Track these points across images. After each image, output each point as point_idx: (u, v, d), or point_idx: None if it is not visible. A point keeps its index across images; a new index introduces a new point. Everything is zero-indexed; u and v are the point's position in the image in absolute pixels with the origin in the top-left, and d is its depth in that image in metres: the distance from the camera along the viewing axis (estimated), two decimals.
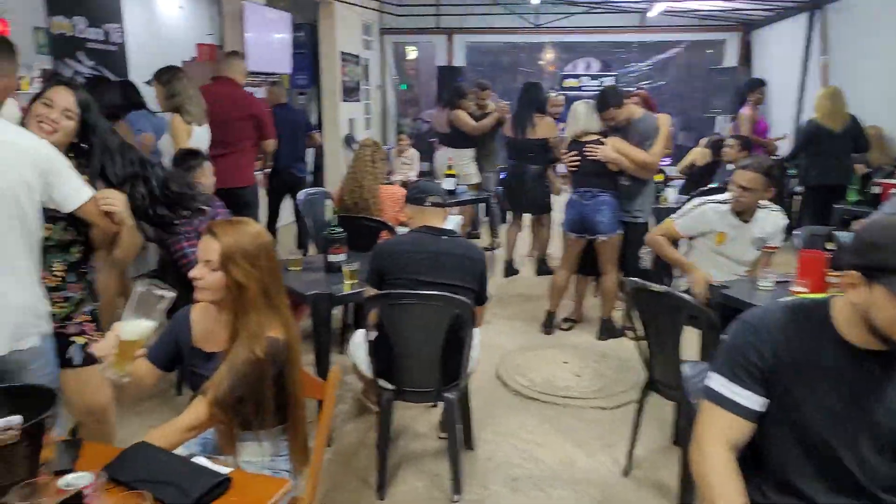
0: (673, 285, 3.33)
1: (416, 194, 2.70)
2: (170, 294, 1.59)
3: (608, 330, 4.23)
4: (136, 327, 1.55)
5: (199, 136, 3.85)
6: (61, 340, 2.02)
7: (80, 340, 2.07)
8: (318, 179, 8.65)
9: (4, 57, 1.82)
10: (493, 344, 3.91)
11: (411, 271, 2.51)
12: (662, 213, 4.16)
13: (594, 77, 9.91)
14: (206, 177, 3.23)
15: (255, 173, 4.86)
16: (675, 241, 3.29)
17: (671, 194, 4.99)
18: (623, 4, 8.65)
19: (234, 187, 4.37)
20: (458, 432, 2.62)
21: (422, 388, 2.57)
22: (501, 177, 5.99)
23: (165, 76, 3.88)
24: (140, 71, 5.98)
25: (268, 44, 6.82)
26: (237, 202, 4.50)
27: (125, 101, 4.70)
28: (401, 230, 3.80)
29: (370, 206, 3.73)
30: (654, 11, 8.11)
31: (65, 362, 2.04)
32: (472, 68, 10.06)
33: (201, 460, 1.53)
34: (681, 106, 10.63)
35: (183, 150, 3.38)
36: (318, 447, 1.87)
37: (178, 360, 1.86)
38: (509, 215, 5.85)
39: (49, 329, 1.90)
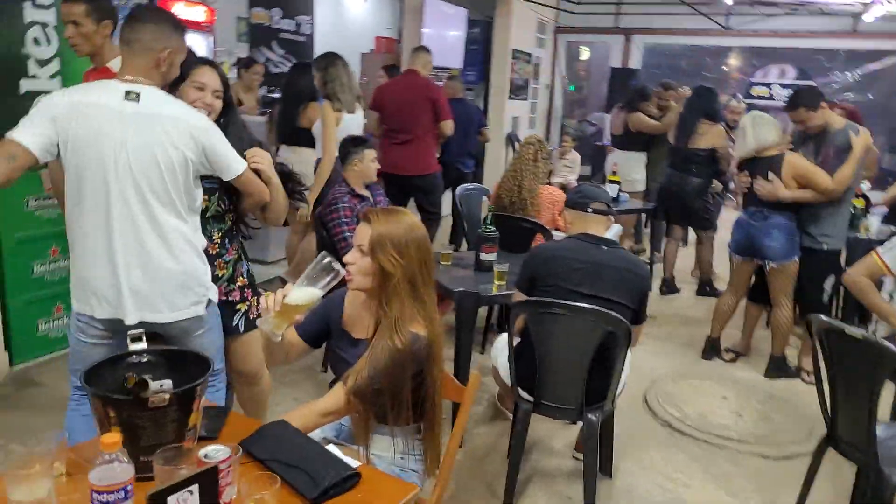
0: (870, 331, 2.87)
1: (578, 199, 2.55)
2: (343, 271, 1.65)
3: (779, 368, 3.78)
4: (304, 293, 1.60)
5: (348, 123, 3.96)
6: (226, 309, 2.13)
7: (242, 307, 2.20)
8: (476, 176, 8.69)
9: (172, 29, 1.88)
10: (643, 366, 3.64)
11: (566, 280, 2.36)
12: (859, 246, 3.64)
13: (786, 86, 9.01)
14: (363, 163, 3.30)
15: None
16: (878, 283, 2.83)
17: (874, 223, 4.20)
18: (833, 6, 7.74)
19: (413, 175, 4.54)
20: (597, 457, 2.44)
21: (563, 404, 2.42)
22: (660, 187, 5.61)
23: (322, 63, 4.01)
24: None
25: (443, 38, 6.94)
26: (417, 189, 4.66)
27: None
28: (557, 235, 3.65)
29: (527, 206, 3.61)
30: (871, 15, 7.18)
31: (232, 329, 2.18)
32: (647, 71, 9.56)
33: (332, 448, 1.51)
34: (888, 125, 9.36)
35: (349, 137, 3.48)
36: (450, 451, 1.80)
37: (325, 337, 1.89)
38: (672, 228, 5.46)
39: (214, 297, 2.00)
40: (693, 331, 4.29)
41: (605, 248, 2.43)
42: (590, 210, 2.50)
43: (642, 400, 3.40)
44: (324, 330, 1.88)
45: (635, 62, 9.35)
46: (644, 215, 6.19)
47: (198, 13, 5.69)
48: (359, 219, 3.26)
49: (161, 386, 1.29)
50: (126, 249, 1.79)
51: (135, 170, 1.76)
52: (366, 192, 3.40)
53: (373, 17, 8.93)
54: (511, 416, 3.06)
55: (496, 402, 3.27)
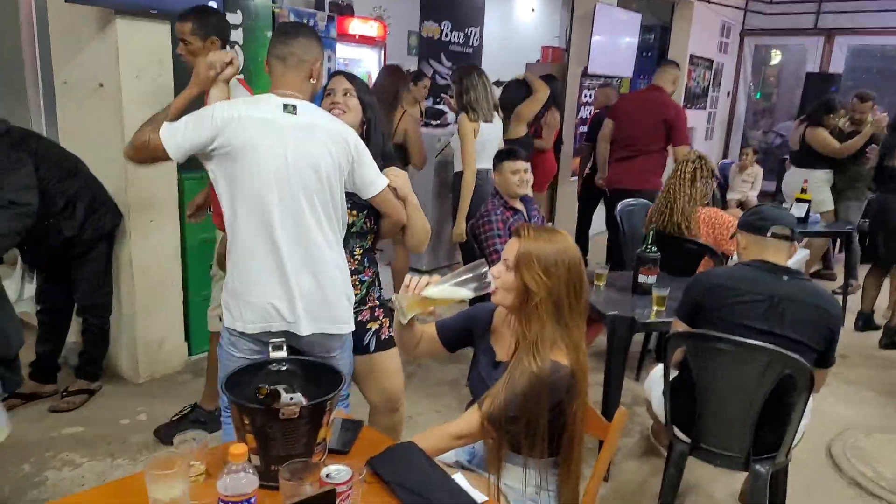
0: None
1: (755, 220, 2.25)
2: (493, 285, 1.60)
3: None
4: (446, 291, 1.57)
5: (487, 133, 3.90)
6: (357, 328, 2.07)
7: (373, 326, 2.14)
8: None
9: (318, 41, 1.90)
10: (829, 412, 3.18)
11: (737, 314, 2.09)
12: None
13: None
14: (502, 175, 3.20)
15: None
16: None
17: None
18: None
19: (630, 188, 4.49)
20: None
21: (726, 450, 2.15)
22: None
23: (458, 74, 3.98)
24: (490, 72, 6.31)
25: (613, 45, 6.65)
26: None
27: None
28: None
29: (682, 231, 3.28)
30: None
31: (362, 349, 2.13)
32: (851, 76, 8.49)
33: (458, 479, 1.43)
34: None
35: (500, 149, 3.41)
36: (589, 492, 1.66)
37: (464, 344, 1.83)
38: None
39: (351, 320, 1.92)
40: (894, 376, 3.68)
41: (785, 278, 2.12)
42: (769, 235, 2.20)
43: (825, 452, 2.95)
44: (465, 335, 1.81)
45: (837, 66, 8.33)
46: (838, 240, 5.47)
47: (372, 29, 5.96)
48: (510, 232, 3.22)
49: (291, 399, 1.29)
50: (294, 259, 1.77)
51: (297, 179, 1.77)
52: (519, 206, 3.31)
53: (541, 26, 8.83)
54: (665, 452, 2.80)
55: (649, 436, 3.02)
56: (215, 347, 2.52)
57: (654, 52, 8.05)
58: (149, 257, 3.18)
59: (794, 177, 5.30)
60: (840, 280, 5.18)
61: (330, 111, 2.01)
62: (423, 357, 1.91)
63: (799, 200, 4.67)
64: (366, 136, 2.07)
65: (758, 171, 6.65)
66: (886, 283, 4.52)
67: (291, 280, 1.76)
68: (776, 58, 10.03)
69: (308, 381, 1.49)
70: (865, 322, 4.52)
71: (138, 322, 3.20)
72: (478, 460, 1.75)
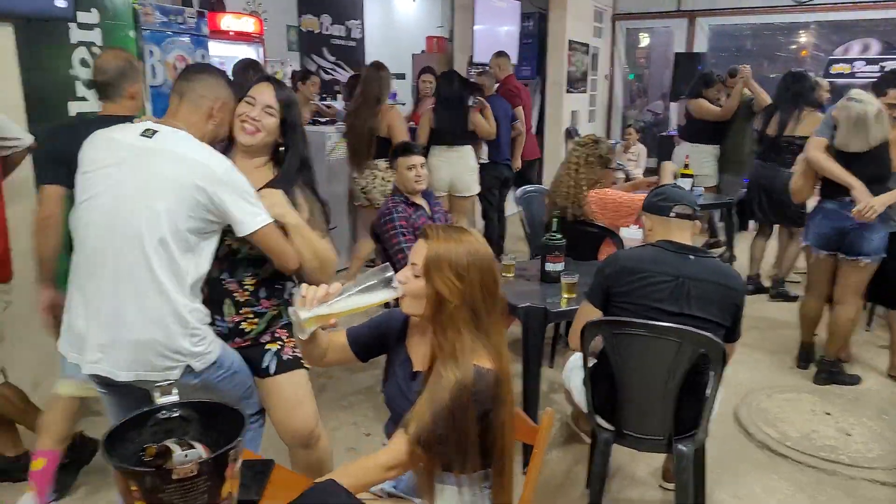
0: None
1: (658, 201, 2.26)
2: (400, 291, 1.47)
3: (831, 374, 3.44)
4: (347, 301, 1.41)
5: None
6: (251, 352, 1.92)
7: (272, 347, 1.95)
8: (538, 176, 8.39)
9: (224, 84, 1.82)
10: (730, 378, 3.29)
11: (647, 296, 2.09)
12: None
13: (872, 61, 8.30)
14: (398, 171, 3.15)
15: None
16: None
17: None
18: None
19: None
20: (690, 493, 2.16)
21: (649, 434, 2.15)
22: (745, 180, 5.18)
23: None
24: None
25: (495, 34, 6.68)
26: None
27: None
28: (628, 235, 3.34)
29: (568, 214, 3.30)
30: None
31: (261, 371, 1.93)
32: (714, 54, 9.03)
33: None
34: None
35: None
36: (526, 500, 1.58)
37: (377, 353, 1.69)
38: (751, 224, 5.05)
39: (198, 364, 1.73)
40: (785, 335, 3.91)
41: (691, 257, 2.14)
42: (672, 214, 2.21)
43: (733, 418, 3.07)
44: (378, 343, 1.67)
45: (701, 46, 8.83)
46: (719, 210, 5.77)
47: (247, 24, 5.63)
48: (415, 229, 3.11)
49: (186, 455, 1.11)
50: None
51: (125, 205, 1.65)
52: (421, 201, 3.20)
53: (423, 16, 8.75)
54: (588, 439, 2.80)
55: (569, 423, 3.01)
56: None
57: (534, 39, 8.17)
58: (15, 284, 2.80)
59: (683, 151, 5.54)
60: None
61: (241, 123, 1.83)
62: (329, 365, 1.72)
63: (683, 175, 4.86)
64: (280, 160, 1.90)
65: (641, 149, 6.90)
66: (771, 247, 4.84)
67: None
68: (644, 40, 10.51)
69: (206, 427, 1.30)
70: (755, 287, 4.80)
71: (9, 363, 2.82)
72: (405, 486, 1.63)
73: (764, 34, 9.64)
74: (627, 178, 6.61)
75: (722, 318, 2.08)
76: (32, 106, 2.84)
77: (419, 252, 1.48)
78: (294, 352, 1.97)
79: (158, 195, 1.63)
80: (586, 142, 3.38)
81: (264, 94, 1.85)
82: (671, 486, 2.54)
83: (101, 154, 1.71)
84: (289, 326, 1.96)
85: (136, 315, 1.64)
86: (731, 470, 2.68)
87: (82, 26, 3.18)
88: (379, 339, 1.67)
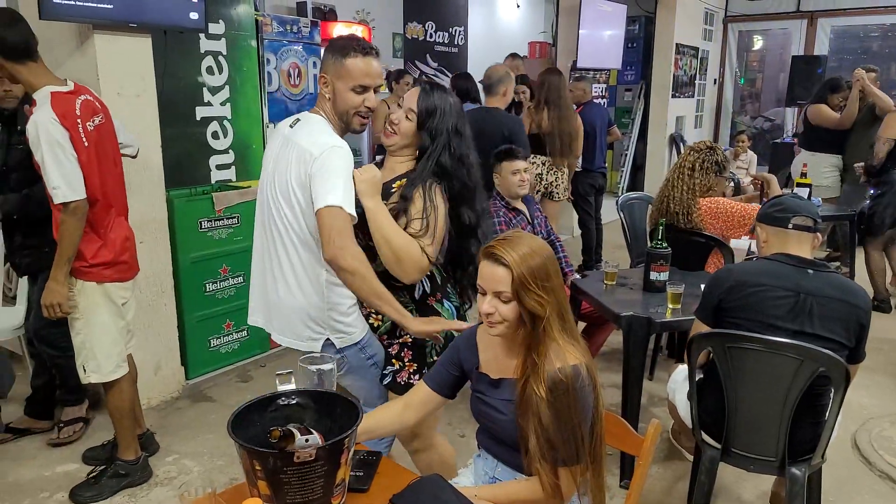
0: None
1: (775, 212, 2.14)
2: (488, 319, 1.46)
3: None
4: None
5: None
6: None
7: (396, 364, 1.94)
8: (636, 181, 8.18)
9: (328, 55, 1.83)
10: (851, 404, 3.09)
11: (763, 312, 1.99)
12: None
13: None
14: (501, 176, 3.17)
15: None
16: None
17: None
18: None
19: None
20: None
21: (759, 454, 2.04)
22: (871, 191, 4.82)
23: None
24: (475, 70, 6.21)
25: (600, 38, 6.57)
26: None
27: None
28: (740, 246, 3.20)
29: (680, 222, 3.18)
30: None
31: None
32: (836, 58, 8.46)
33: None
34: None
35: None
36: None
37: (462, 383, 1.66)
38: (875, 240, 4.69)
39: (342, 341, 1.82)
40: None
41: (811, 272, 2.02)
42: (791, 226, 2.10)
43: (852, 444, 2.86)
44: (460, 374, 1.64)
45: (821, 48, 8.30)
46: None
47: (357, 32, 5.85)
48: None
49: (307, 441, 1.18)
50: (260, 267, 1.91)
51: (269, 188, 1.83)
52: (521, 206, 3.21)
53: (526, 21, 8.75)
54: (689, 456, 2.71)
55: (671, 438, 2.92)
56: (124, 392, 2.48)
57: (639, 42, 7.97)
58: (140, 279, 3.05)
59: (801, 160, 5.24)
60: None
61: (385, 125, 1.94)
62: (420, 422, 1.72)
63: (799, 185, 4.59)
64: (417, 167, 1.90)
65: (752, 156, 6.58)
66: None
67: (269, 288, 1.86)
68: (758, 42, 10.00)
69: (321, 414, 1.38)
70: (880, 303, 4.48)
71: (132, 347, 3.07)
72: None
73: (894, 35, 8.94)
74: (737, 187, 6.32)
75: (846, 337, 1.95)
76: (164, 110, 3.08)
77: (496, 276, 1.40)
78: (409, 379, 1.93)
79: (284, 180, 1.78)
80: (701, 147, 3.26)
81: (410, 98, 1.91)
82: None
83: (270, 145, 1.93)
84: (416, 349, 1.93)
85: (284, 287, 1.81)
86: (847, 499, 2.50)
87: (210, 37, 3.43)
88: (458, 370, 1.64)
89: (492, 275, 1.41)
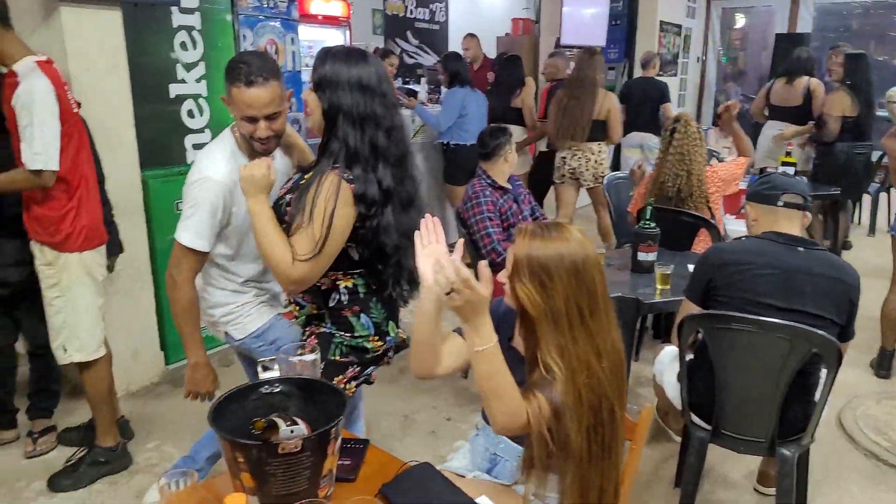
0: None
1: (765, 190, 2.12)
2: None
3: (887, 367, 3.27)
4: None
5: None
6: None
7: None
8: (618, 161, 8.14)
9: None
10: (836, 382, 3.09)
11: (753, 290, 1.96)
12: None
13: None
14: (513, 154, 3.14)
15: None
16: None
17: None
18: None
19: None
20: (792, 499, 2.03)
21: (749, 436, 2.03)
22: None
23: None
24: (457, 48, 6.11)
25: (584, 15, 6.49)
26: None
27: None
28: (732, 228, 3.18)
29: (694, 195, 3.15)
30: None
31: None
32: (820, 35, 8.46)
33: (483, 501, 1.28)
34: None
35: (492, 127, 3.26)
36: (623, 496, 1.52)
37: None
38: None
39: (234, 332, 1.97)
40: None
41: (800, 249, 2.00)
42: (780, 204, 2.07)
43: (836, 422, 2.88)
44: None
45: (805, 26, 8.28)
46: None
47: (336, 8, 5.69)
48: (501, 213, 3.06)
49: (292, 431, 1.12)
50: None
51: None
52: (508, 185, 3.16)
53: None
54: (676, 437, 2.70)
55: (657, 419, 2.91)
56: (98, 377, 2.46)
57: (623, 20, 7.88)
58: (116, 263, 2.95)
59: (771, 135, 5.30)
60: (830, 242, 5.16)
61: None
62: (446, 372, 1.55)
63: (784, 164, 4.59)
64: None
65: None
66: None
67: None
68: (741, 20, 9.97)
69: (306, 403, 1.32)
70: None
71: (109, 334, 2.97)
72: (500, 470, 1.59)
73: (873, 13, 8.96)
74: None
75: (837, 315, 1.94)
76: (136, 87, 2.96)
77: (509, 255, 1.39)
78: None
79: None
80: (690, 118, 3.23)
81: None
82: (768, 490, 2.42)
83: None
84: (321, 341, 1.78)
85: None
86: (835, 477, 2.52)
87: (183, 10, 3.30)
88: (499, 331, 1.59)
89: (509, 249, 1.37)
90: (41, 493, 2.41)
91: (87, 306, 2.39)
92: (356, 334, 1.79)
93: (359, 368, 1.83)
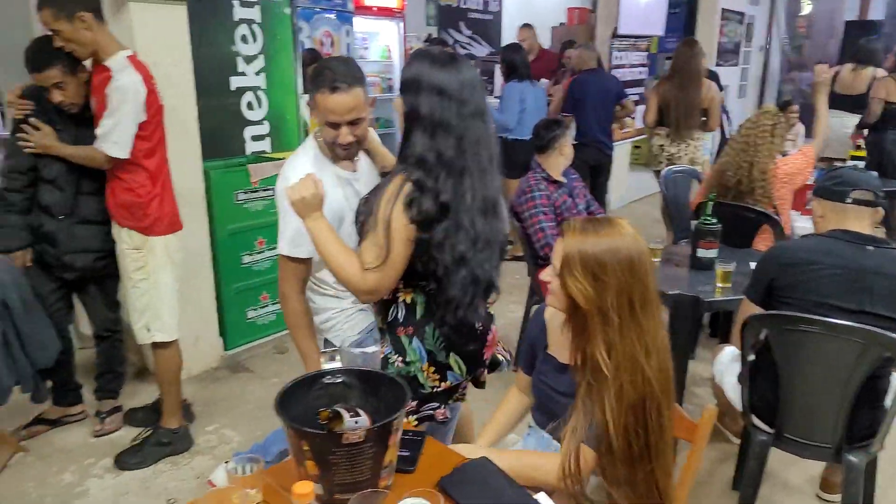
0: None
1: (833, 185, 2.03)
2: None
3: None
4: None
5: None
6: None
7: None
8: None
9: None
10: None
11: (820, 291, 1.89)
12: None
13: None
14: (569, 148, 3.08)
15: None
16: None
17: None
18: None
19: None
20: None
21: (814, 441, 1.97)
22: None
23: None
24: (510, 39, 6.05)
25: (642, 4, 6.34)
26: None
27: None
28: (800, 225, 3.08)
29: (755, 190, 3.05)
30: None
31: None
32: (893, 23, 8.06)
33: (542, 498, 1.27)
34: None
35: (546, 120, 3.24)
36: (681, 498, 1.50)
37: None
38: None
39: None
40: None
41: (870, 248, 1.91)
42: (850, 200, 1.98)
43: None
44: (534, 355, 1.67)
45: (877, 13, 7.90)
46: None
47: (390, 0, 5.74)
48: (556, 207, 3.03)
49: (356, 422, 1.14)
50: None
51: None
52: (562, 179, 3.12)
53: None
54: (734, 438, 2.64)
55: (715, 421, 2.84)
56: (171, 359, 2.56)
57: (683, 8, 7.67)
58: None
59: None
60: None
61: None
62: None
63: (854, 158, 4.40)
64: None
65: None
66: None
67: None
68: (807, 7, 9.58)
69: (367, 394, 1.34)
70: None
71: None
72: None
73: None
74: None
75: None
76: (198, 80, 3.04)
77: (557, 248, 1.38)
78: None
79: None
80: (771, 111, 3.19)
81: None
82: (832, 497, 2.34)
83: None
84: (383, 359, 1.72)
85: None
86: None
87: (244, 4, 3.36)
88: (531, 349, 1.68)
89: (557, 245, 1.39)
90: (108, 470, 2.52)
91: (168, 289, 2.51)
92: (408, 359, 1.66)
93: (415, 402, 1.68)
